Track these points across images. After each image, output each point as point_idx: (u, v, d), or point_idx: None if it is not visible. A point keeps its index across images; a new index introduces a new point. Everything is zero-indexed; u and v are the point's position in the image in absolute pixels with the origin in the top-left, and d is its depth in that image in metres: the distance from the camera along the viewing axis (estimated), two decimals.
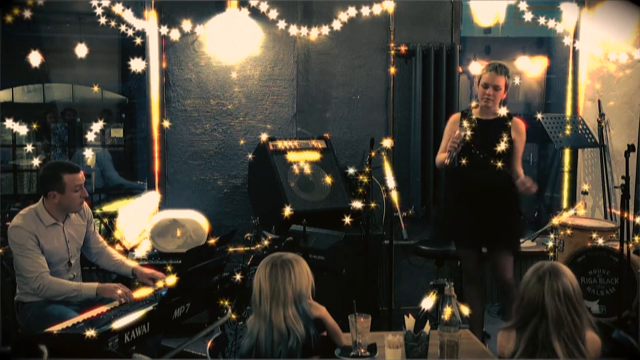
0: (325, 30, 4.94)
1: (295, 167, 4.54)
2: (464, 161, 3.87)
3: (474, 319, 4.08)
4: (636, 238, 4.36)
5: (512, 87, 4.24)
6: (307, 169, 4.56)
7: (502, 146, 3.79)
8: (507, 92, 3.97)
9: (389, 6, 4.93)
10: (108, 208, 5.69)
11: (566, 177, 5.66)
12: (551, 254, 4.72)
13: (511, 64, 5.04)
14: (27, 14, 3.20)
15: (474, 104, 4.03)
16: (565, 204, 5.58)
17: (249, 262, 3.68)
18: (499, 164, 3.79)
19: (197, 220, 4.57)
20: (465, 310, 2.95)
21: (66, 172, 3.38)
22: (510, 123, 3.93)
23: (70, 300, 3.32)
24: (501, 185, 3.88)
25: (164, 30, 4.64)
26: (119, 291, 3.26)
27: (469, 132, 3.83)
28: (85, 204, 3.60)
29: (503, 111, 3.93)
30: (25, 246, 3.29)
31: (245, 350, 2.56)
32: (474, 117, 3.96)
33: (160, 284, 3.48)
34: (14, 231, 3.33)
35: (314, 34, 4.94)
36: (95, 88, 7.63)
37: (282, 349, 2.49)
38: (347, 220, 4.02)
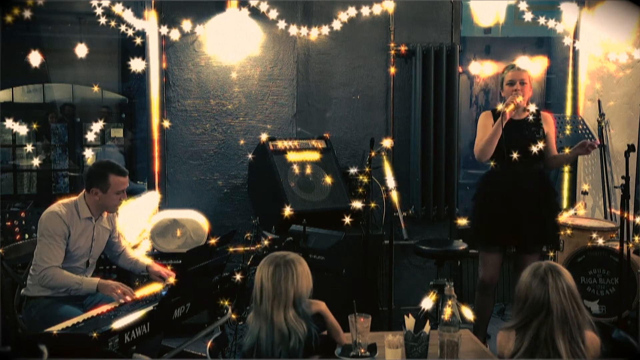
0: (325, 30, 4.94)
1: (295, 167, 4.54)
2: (512, 158, 3.81)
3: (479, 325, 4.05)
4: (636, 238, 4.36)
5: None
6: (307, 169, 4.56)
7: (539, 145, 3.81)
8: (531, 89, 3.97)
9: (389, 6, 4.93)
10: None
11: (566, 177, 5.67)
12: (551, 254, 4.72)
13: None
14: (27, 14, 3.19)
15: (499, 106, 3.91)
16: (565, 204, 5.58)
17: (249, 262, 3.67)
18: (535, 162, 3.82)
19: (197, 220, 4.57)
20: (469, 314, 2.94)
21: (113, 174, 3.43)
22: (540, 118, 3.95)
23: (74, 295, 3.34)
24: (539, 184, 3.88)
25: (164, 30, 4.64)
26: (119, 290, 3.28)
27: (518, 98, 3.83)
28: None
29: (532, 108, 3.92)
30: (53, 235, 3.32)
31: (247, 349, 2.56)
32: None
33: (171, 280, 3.46)
34: (51, 216, 3.36)
35: (314, 34, 4.94)
36: (95, 88, 7.64)
37: (283, 349, 2.49)
38: (347, 220, 4.02)
